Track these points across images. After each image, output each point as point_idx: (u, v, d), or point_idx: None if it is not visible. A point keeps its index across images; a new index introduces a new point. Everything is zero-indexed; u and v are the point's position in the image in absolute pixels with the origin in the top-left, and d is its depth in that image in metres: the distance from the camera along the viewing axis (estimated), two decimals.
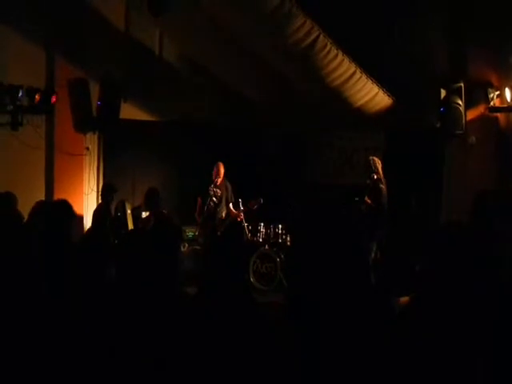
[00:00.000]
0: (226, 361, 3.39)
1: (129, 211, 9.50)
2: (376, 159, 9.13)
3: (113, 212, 9.35)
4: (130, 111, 10.46)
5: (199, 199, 9.51)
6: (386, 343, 3.26)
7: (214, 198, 9.38)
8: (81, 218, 9.87)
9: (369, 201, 8.87)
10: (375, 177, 8.90)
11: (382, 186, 8.88)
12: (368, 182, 8.97)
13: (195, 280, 4.75)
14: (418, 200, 9.58)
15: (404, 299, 3.94)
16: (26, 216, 6.75)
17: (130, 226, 9.47)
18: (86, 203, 10.16)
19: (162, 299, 3.65)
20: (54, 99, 9.71)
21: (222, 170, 9.37)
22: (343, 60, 8.99)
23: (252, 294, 3.83)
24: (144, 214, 9.61)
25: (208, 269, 3.93)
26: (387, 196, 8.87)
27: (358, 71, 9.22)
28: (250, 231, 10.24)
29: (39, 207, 6.36)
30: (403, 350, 3.22)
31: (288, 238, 10.33)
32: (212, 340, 3.44)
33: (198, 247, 9.83)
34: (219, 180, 9.37)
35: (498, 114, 9.34)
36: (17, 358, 3.54)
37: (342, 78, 9.19)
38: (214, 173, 9.40)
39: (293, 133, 11.33)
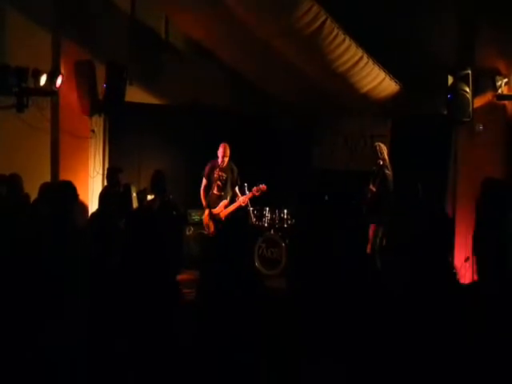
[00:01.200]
0: (228, 347, 3.39)
1: (134, 194, 9.50)
2: (382, 145, 9.15)
3: (118, 195, 9.33)
4: (135, 94, 10.44)
5: (204, 182, 9.48)
6: (388, 335, 3.26)
7: (219, 182, 9.33)
8: (86, 201, 9.86)
9: (373, 188, 8.88)
10: (381, 163, 8.90)
11: (387, 171, 8.89)
12: (374, 168, 8.98)
13: (200, 263, 4.76)
14: (425, 187, 9.56)
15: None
16: (32, 198, 6.79)
17: None
18: (92, 186, 10.14)
19: (165, 282, 3.65)
20: (59, 81, 9.69)
21: (228, 151, 9.30)
22: (350, 45, 8.95)
23: (259, 278, 3.82)
24: (149, 197, 9.60)
25: (213, 253, 3.93)
26: (393, 182, 8.87)
27: (365, 56, 9.18)
28: (255, 216, 10.23)
29: (45, 190, 6.38)
30: (405, 343, 3.22)
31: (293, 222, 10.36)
32: (214, 325, 3.44)
33: (203, 231, 9.83)
34: (226, 160, 9.29)
35: (506, 102, 9.30)
36: (17, 343, 3.54)
37: (349, 63, 9.15)
38: (219, 153, 9.31)
39: (300, 119, 11.30)
